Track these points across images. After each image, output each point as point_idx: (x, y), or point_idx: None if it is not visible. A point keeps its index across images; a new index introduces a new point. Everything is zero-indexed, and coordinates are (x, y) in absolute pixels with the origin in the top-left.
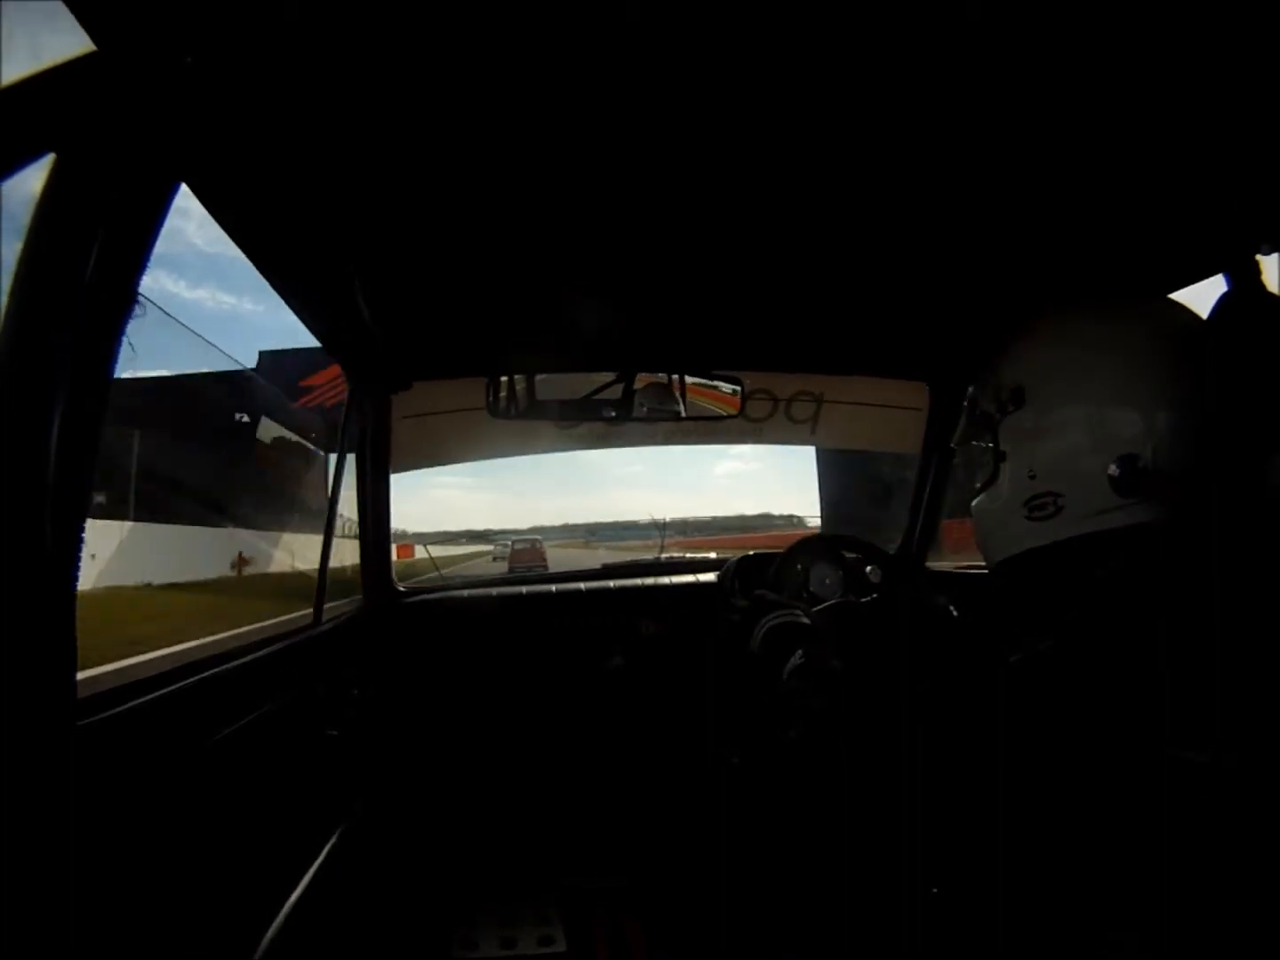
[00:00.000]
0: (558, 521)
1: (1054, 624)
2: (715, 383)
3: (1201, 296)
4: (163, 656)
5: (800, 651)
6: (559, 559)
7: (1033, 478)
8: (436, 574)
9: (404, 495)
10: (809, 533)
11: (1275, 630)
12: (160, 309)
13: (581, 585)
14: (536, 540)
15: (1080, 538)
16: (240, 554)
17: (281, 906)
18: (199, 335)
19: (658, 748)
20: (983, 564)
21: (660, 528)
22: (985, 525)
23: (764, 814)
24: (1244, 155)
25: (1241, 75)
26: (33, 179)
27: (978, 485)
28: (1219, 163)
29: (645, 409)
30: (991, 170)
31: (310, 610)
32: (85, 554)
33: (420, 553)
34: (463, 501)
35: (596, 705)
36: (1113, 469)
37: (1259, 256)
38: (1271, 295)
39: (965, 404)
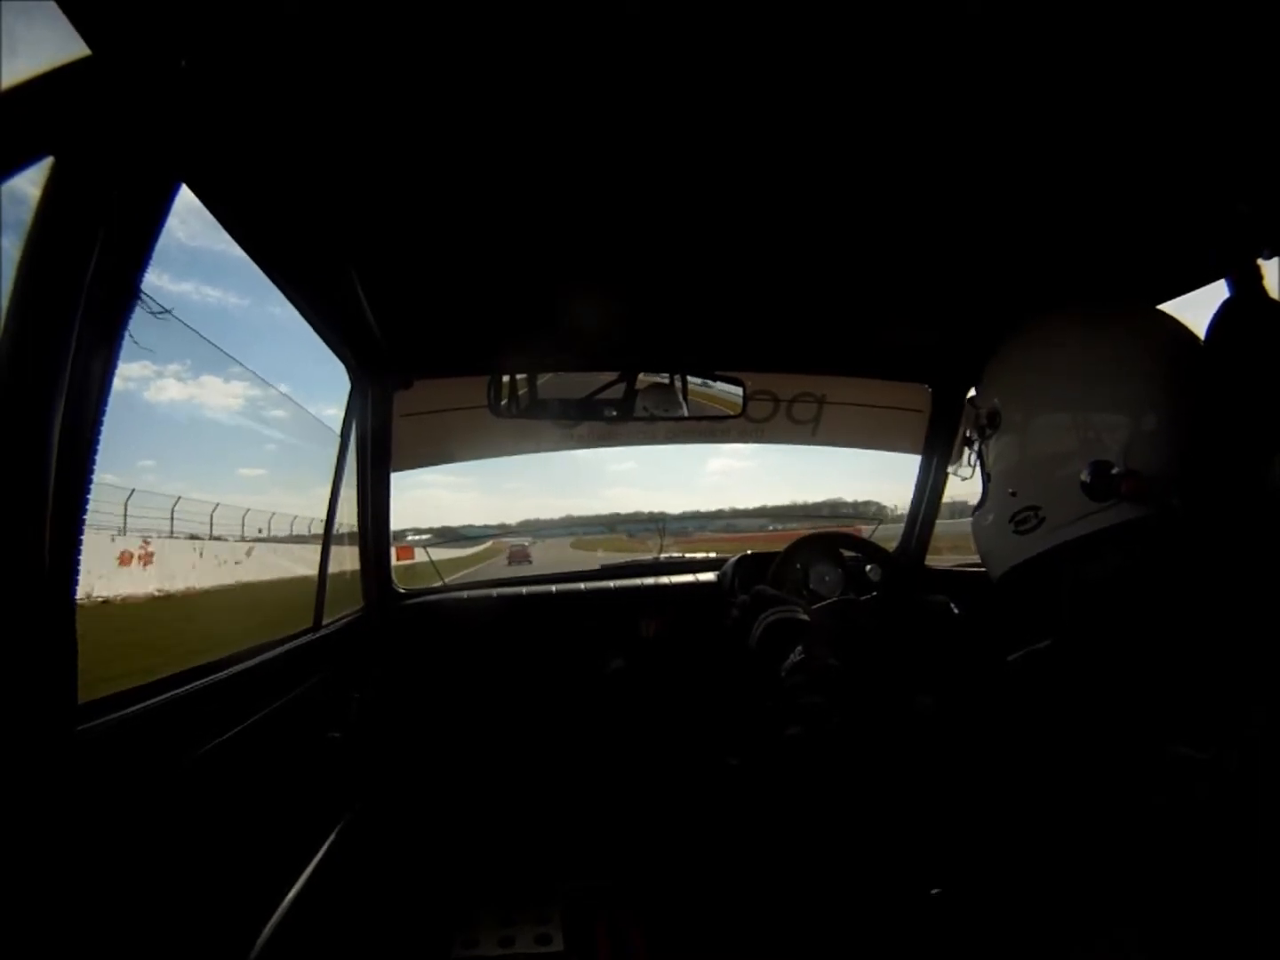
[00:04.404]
0: (558, 515)
1: (1051, 623)
2: (717, 384)
3: (1198, 301)
4: None
5: (799, 648)
6: (575, 561)
7: (1013, 494)
8: (439, 582)
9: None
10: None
11: (1274, 628)
12: (167, 309)
13: (581, 586)
14: (525, 542)
15: (1066, 544)
16: None
17: (282, 905)
18: (204, 337)
19: (657, 748)
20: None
21: (660, 527)
22: (983, 544)
23: (764, 813)
24: (1246, 160)
25: (1242, 78)
26: (33, 180)
27: (974, 507)
28: (1221, 168)
29: (646, 409)
30: (995, 173)
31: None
32: None
33: (420, 555)
34: (447, 499)
35: (596, 706)
36: (1084, 475)
37: (1260, 261)
38: (1273, 300)
39: (959, 436)
